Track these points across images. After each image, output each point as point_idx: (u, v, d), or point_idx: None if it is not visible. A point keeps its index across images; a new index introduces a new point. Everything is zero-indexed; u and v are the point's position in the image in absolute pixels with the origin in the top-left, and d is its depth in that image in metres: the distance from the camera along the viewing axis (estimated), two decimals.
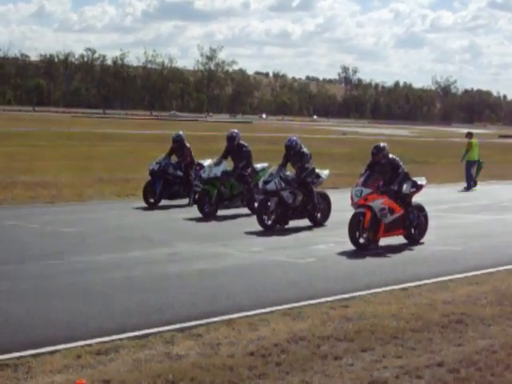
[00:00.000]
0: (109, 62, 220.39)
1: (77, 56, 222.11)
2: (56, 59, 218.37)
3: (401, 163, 15.20)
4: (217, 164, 19.03)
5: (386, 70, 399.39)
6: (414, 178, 15.67)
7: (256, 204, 18.45)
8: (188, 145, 21.50)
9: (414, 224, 15.33)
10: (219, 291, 10.57)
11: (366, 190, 14.63)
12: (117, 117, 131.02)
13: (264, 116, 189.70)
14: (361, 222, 14.41)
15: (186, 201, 20.72)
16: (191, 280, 11.31)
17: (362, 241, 14.42)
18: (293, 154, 17.31)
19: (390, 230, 14.91)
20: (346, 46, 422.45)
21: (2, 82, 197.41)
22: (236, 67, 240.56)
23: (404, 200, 15.12)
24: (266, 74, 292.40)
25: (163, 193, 20.47)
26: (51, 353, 7.64)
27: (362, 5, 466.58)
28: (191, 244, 14.47)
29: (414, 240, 15.33)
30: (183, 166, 21.07)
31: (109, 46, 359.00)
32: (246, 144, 19.45)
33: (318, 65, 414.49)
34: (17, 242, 14.24)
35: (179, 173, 20.89)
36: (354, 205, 14.75)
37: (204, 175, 18.99)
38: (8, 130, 61.72)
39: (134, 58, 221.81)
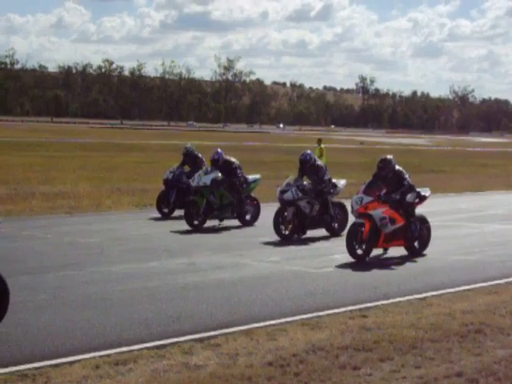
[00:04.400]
0: (126, 72, 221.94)
1: (94, 67, 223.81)
2: (74, 70, 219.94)
3: (406, 175, 14.92)
4: (207, 172, 18.67)
5: (403, 79, 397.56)
6: (418, 189, 15.39)
7: (247, 216, 18.44)
8: (200, 155, 21.51)
9: (415, 235, 14.91)
10: (237, 301, 10.58)
11: (367, 198, 14.42)
12: (134, 127, 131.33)
13: (281, 126, 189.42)
14: (359, 232, 14.20)
15: None
16: (209, 290, 11.31)
17: (359, 252, 14.20)
18: (308, 167, 17.29)
19: (390, 241, 14.59)
20: (363, 55, 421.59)
21: (20, 93, 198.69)
22: (253, 77, 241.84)
23: (407, 210, 14.83)
24: (284, 84, 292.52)
25: (177, 202, 20.41)
26: (70, 363, 7.67)
27: (380, 14, 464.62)
28: (208, 254, 14.48)
29: (415, 252, 14.92)
30: None
31: (126, 57, 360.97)
32: (232, 160, 19.06)
33: (336, 75, 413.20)
34: (35, 253, 14.29)
35: None
36: (355, 212, 14.54)
37: (193, 184, 18.55)
38: (26, 141, 62.03)
39: (152, 68, 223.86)
